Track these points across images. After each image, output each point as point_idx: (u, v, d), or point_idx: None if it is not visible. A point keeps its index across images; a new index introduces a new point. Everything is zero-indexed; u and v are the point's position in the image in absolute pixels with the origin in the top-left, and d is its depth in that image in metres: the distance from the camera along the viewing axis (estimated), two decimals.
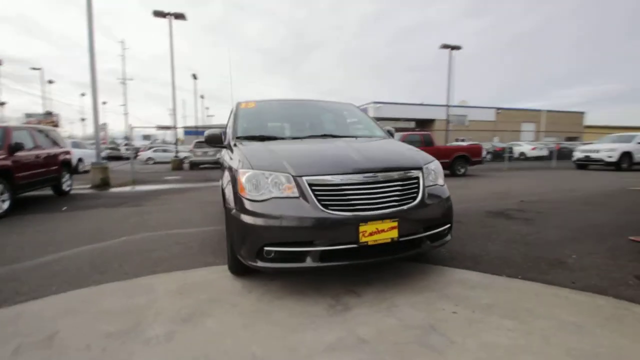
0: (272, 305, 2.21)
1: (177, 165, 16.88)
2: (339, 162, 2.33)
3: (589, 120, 43.40)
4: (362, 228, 2.13)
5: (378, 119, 6.63)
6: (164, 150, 26.01)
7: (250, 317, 2.07)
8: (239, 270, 2.62)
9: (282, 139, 3.04)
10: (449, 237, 2.61)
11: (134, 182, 10.25)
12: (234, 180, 2.44)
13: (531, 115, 40.13)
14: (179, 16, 16.02)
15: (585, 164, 14.21)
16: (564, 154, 20.21)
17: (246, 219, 2.20)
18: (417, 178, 2.43)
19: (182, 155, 18.34)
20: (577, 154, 14.59)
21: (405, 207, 2.28)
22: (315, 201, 2.13)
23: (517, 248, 3.24)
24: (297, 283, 2.51)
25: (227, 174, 2.80)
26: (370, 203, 2.21)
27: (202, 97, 39.54)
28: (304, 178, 2.18)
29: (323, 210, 2.11)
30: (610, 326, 1.87)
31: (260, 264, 2.16)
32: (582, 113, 43.46)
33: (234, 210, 2.36)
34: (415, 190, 2.39)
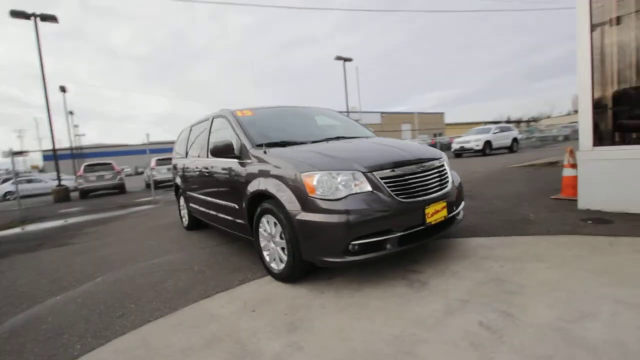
0: (357, 297, 2.33)
1: (63, 195, 13.92)
2: (395, 157, 2.60)
3: (447, 119, 53.62)
4: (426, 210, 2.46)
5: None
6: (29, 181, 21.05)
7: (350, 311, 2.15)
8: (300, 275, 2.61)
9: (303, 143, 3.11)
10: (462, 214, 3.15)
11: (23, 222, 8.14)
12: (294, 185, 2.44)
13: (407, 117, 47.17)
14: (48, 18, 13.28)
15: (460, 152, 17.66)
16: (439, 147, 24.59)
17: (326, 218, 2.27)
18: (443, 165, 2.90)
19: (64, 183, 15.15)
20: (454, 145, 18.04)
21: (446, 189, 2.71)
22: (390, 192, 2.36)
23: (488, 217, 4.06)
24: (357, 275, 2.66)
25: (265, 180, 2.72)
26: (426, 188, 2.56)
27: (71, 113, 32.94)
28: (375, 173, 2.39)
29: (397, 200, 2.36)
30: (598, 252, 2.66)
31: (348, 258, 2.27)
32: (442, 113, 53.38)
33: (301, 214, 2.37)
34: (446, 175, 2.85)
